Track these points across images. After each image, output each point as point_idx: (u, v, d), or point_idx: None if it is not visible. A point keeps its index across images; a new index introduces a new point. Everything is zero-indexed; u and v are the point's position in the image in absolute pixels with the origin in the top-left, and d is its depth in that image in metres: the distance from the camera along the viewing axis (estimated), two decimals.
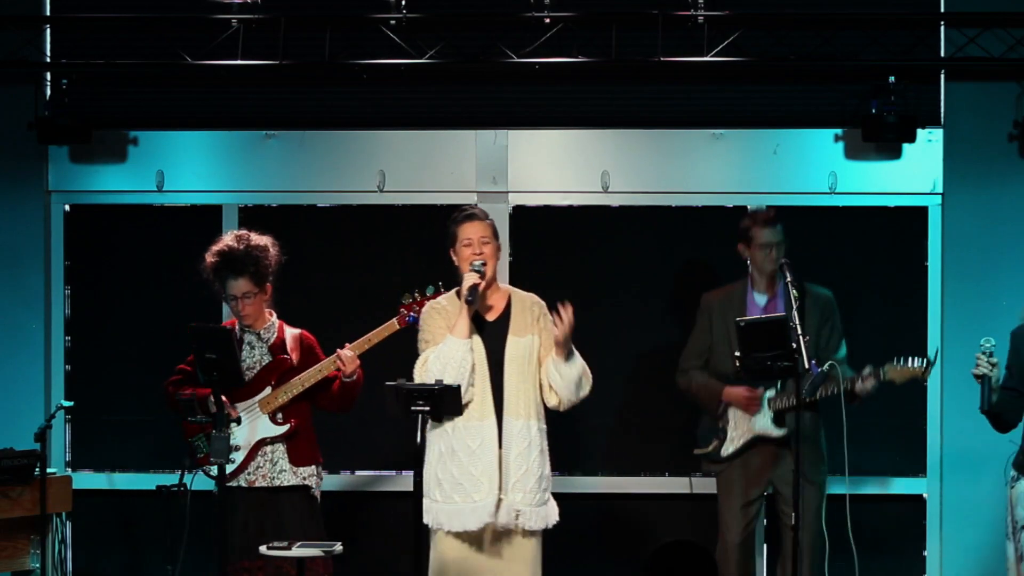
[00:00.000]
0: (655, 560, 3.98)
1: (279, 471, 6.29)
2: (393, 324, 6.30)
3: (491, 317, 5.78)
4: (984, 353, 5.82)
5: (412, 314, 6.24)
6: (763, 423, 6.56)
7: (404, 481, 6.75)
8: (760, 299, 6.66)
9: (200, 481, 6.31)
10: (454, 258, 5.82)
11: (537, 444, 5.71)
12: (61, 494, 6.80)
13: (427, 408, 5.20)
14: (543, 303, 5.88)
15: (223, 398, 6.05)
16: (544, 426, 5.78)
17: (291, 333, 6.45)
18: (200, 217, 7.51)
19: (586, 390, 5.83)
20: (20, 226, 7.65)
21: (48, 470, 6.62)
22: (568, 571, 7.44)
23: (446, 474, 5.62)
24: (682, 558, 3.97)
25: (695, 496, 7.35)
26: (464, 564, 5.69)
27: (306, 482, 6.33)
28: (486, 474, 5.61)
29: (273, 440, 6.27)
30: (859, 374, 6.42)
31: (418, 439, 5.21)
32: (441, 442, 5.65)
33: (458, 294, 5.72)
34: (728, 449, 6.61)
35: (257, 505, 6.26)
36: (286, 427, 6.29)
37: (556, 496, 5.89)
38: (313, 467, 6.37)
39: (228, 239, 6.37)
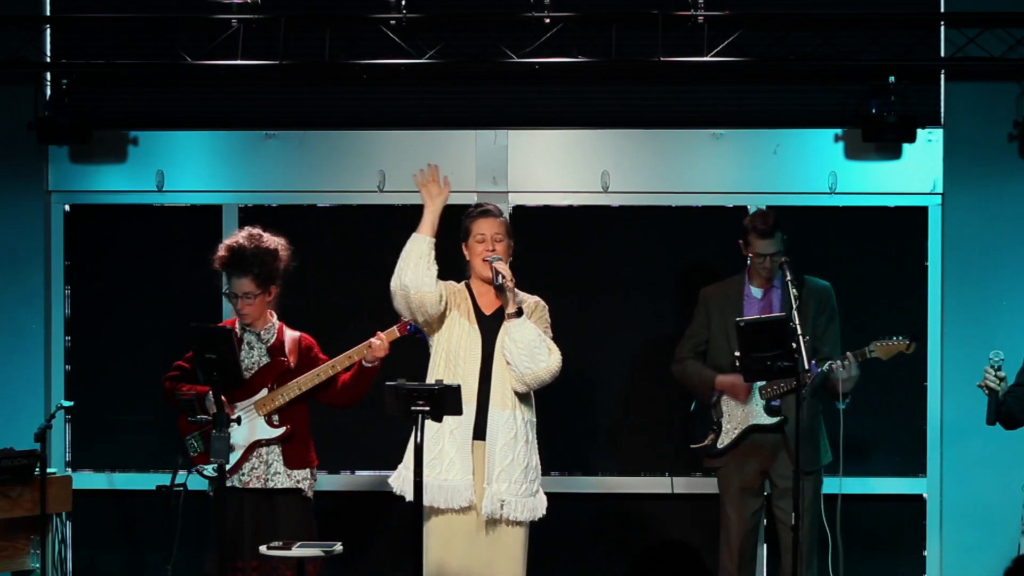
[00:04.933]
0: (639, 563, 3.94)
1: (273, 473, 6.29)
2: (394, 332, 6.30)
3: (489, 311, 5.85)
4: (992, 367, 5.79)
5: (412, 324, 6.24)
6: (755, 412, 6.56)
7: None
8: (756, 292, 6.67)
9: (194, 481, 6.32)
10: (465, 252, 5.90)
11: (523, 435, 5.76)
12: (61, 494, 6.79)
13: (427, 408, 5.21)
14: (545, 305, 5.94)
15: (222, 398, 6.08)
16: (532, 418, 5.83)
17: (291, 336, 6.45)
18: (200, 217, 7.51)
19: (548, 363, 5.74)
20: (20, 226, 7.65)
21: (48, 470, 6.62)
22: (567, 571, 7.44)
23: (424, 448, 5.61)
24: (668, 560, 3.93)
25: (695, 496, 7.35)
26: (450, 554, 5.71)
27: (299, 485, 6.32)
28: (460, 456, 5.67)
29: (268, 442, 6.27)
30: (835, 363, 6.39)
31: (417, 439, 5.21)
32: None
33: (468, 286, 5.89)
34: (724, 441, 6.60)
35: (250, 506, 6.26)
36: (282, 430, 6.28)
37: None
38: (307, 470, 6.36)
39: (241, 236, 6.35)
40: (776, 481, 6.60)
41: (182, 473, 6.30)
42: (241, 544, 6.20)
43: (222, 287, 6.41)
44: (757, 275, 6.64)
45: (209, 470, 6.27)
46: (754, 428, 6.56)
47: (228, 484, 6.25)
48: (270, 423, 6.27)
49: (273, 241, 6.39)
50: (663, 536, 7.40)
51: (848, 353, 6.38)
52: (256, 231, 6.39)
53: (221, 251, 6.34)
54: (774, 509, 6.68)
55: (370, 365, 6.28)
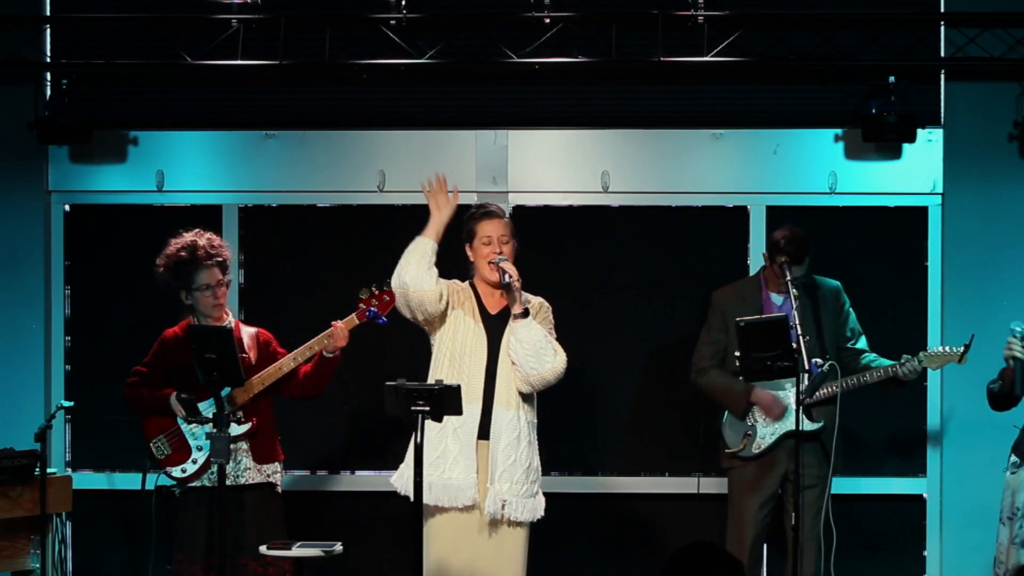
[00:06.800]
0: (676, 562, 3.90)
1: (243, 469, 6.30)
2: (353, 319, 6.30)
3: (495, 311, 5.84)
4: (1017, 337, 5.92)
5: (372, 309, 6.25)
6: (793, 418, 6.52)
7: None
8: (777, 299, 6.62)
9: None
10: (469, 254, 5.90)
11: (526, 436, 5.77)
12: (61, 494, 6.79)
13: (427, 408, 5.21)
14: (549, 306, 5.94)
15: (183, 397, 6.19)
16: (534, 419, 5.83)
17: (248, 332, 6.47)
18: (200, 217, 7.48)
19: (553, 364, 5.76)
20: (20, 226, 7.65)
21: (48, 470, 6.62)
22: (567, 571, 7.44)
23: (427, 448, 5.59)
24: (706, 561, 3.89)
25: (695, 496, 7.34)
26: (451, 554, 5.71)
27: (270, 479, 6.34)
28: (463, 455, 5.67)
29: (235, 439, 6.25)
30: (898, 362, 6.44)
31: (417, 439, 5.21)
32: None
33: (472, 285, 5.89)
34: (760, 445, 6.56)
35: (222, 504, 6.24)
36: (247, 426, 6.29)
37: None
38: (276, 464, 6.38)
39: (183, 239, 6.39)
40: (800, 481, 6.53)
41: (151, 474, 6.34)
42: (211, 544, 6.17)
43: (186, 293, 6.39)
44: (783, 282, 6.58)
45: (176, 471, 6.29)
46: (791, 434, 6.49)
47: (198, 483, 6.28)
48: (235, 420, 6.26)
49: (215, 236, 6.47)
50: (663, 536, 7.40)
51: (904, 356, 6.40)
52: (194, 230, 6.43)
53: (171, 258, 6.35)
54: (788, 506, 6.63)
55: (331, 355, 6.30)
